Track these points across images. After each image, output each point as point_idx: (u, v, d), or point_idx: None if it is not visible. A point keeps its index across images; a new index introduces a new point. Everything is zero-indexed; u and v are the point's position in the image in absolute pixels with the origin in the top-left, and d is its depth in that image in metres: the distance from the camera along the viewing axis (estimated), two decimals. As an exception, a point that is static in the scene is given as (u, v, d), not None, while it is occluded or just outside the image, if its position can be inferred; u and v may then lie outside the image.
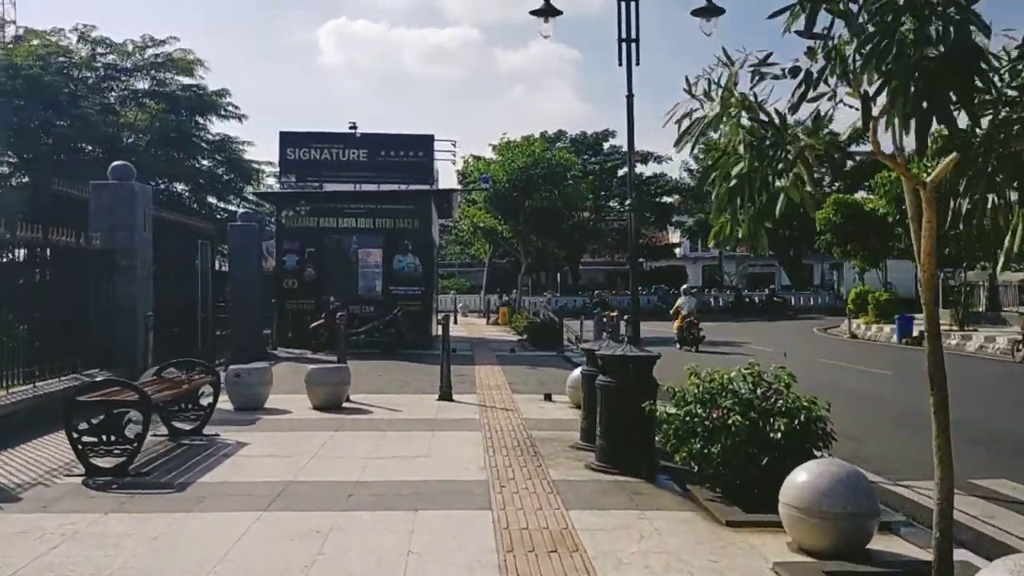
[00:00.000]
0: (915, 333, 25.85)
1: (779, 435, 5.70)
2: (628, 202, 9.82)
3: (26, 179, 26.14)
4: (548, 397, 11.01)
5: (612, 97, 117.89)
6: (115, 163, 11.01)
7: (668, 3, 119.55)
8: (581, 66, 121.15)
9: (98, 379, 10.08)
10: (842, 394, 10.45)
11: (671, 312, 24.92)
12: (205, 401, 8.43)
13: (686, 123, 3.77)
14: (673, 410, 6.29)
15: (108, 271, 10.54)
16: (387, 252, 19.48)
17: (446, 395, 10.89)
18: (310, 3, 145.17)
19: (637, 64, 10.02)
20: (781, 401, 6.02)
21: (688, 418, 6.10)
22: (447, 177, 40.61)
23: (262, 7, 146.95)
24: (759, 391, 6.13)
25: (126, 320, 10.69)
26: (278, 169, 21.01)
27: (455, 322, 33.96)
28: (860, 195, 38.71)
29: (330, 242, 19.60)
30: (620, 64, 10.02)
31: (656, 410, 6.41)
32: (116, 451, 6.41)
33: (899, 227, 25.39)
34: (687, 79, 3.70)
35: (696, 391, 6.23)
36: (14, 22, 32.24)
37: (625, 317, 33.04)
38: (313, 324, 17.92)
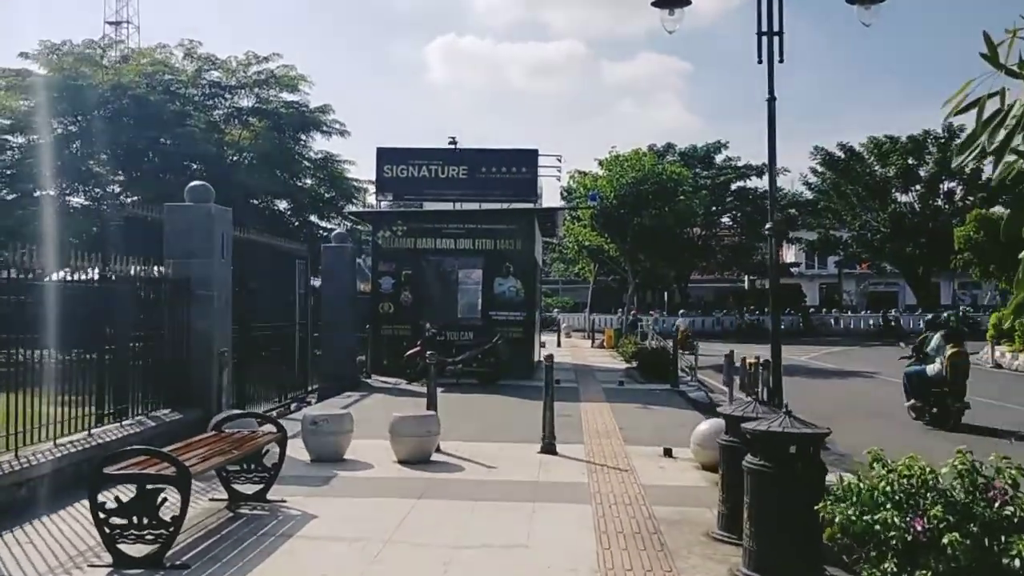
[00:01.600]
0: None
1: (1018, 562, 4.05)
2: (768, 226, 8.18)
3: (134, 198, 26.29)
4: (668, 452, 9.42)
5: (722, 109, 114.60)
6: (193, 183, 10.12)
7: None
8: (690, 78, 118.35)
9: (170, 418, 9.22)
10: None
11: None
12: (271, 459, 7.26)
13: (972, 116, 2.22)
14: (850, 511, 4.69)
15: (182, 302, 9.62)
16: (487, 275, 18.28)
17: (549, 447, 9.46)
18: (418, 21, 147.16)
19: (780, 61, 8.40)
20: (1011, 508, 4.35)
21: (879, 527, 4.49)
22: (551, 194, 39.38)
23: (371, 25, 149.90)
24: (978, 492, 4.47)
25: (201, 356, 9.73)
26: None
27: (558, 344, 32.62)
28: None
29: (428, 264, 18.55)
30: (760, 61, 8.43)
31: (829, 513, 4.79)
32: (149, 536, 5.26)
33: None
34: (987, 37, 2.17)
35: (888, 489, 4.61)
36: (129, 22, 32.65)
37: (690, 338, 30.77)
38: (408, 352, 16.83)
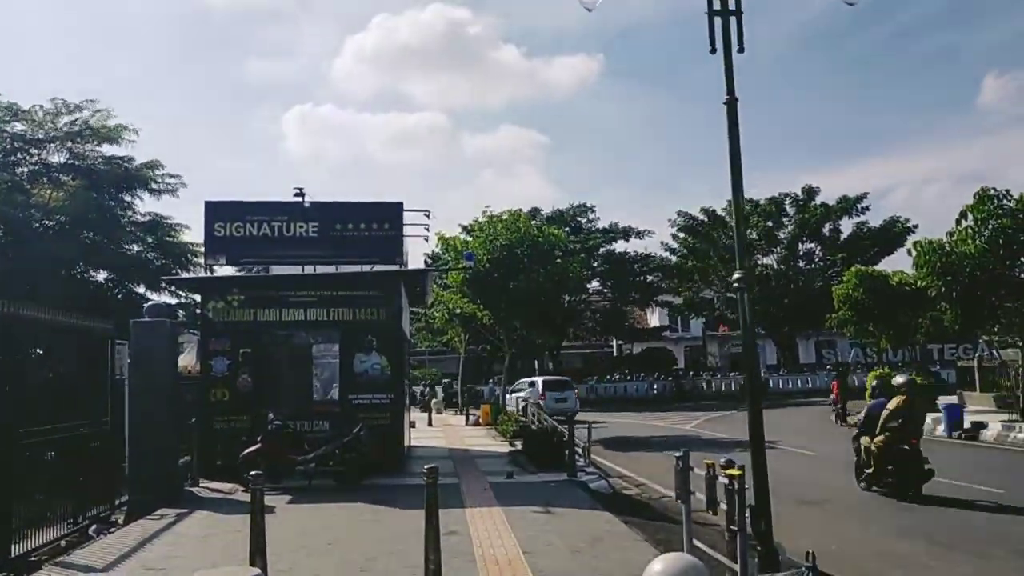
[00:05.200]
0: (967, 424, 22.00)
1: None
2: (736, 275, 5.73)
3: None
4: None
5: (580, 179, 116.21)
6: None
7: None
8: (549, 149, 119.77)
9: None
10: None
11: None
12: None
13: None
14: None
15: None
16: (345, 351, 15.22)
17: (435, 600, 6.56)
18: (275, 90, 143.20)
19: (740, 51, 6.11)
20: None
21: None
22: (417, 258, 36.63)
23: (226, 94, 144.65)
24: None
25: None
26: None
27: (429, 423, 29.49)
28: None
29: (272, 340, 15.31)
30: (713, 51, 6.12)
31: None
32: None
33: (942, 302, 21.60)
34: None
35: None
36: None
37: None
38: (246, 451, 13.46)
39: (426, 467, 6.86)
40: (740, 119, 6.05)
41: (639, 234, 50.05)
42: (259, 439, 13.52)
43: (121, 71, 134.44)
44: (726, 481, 5.72)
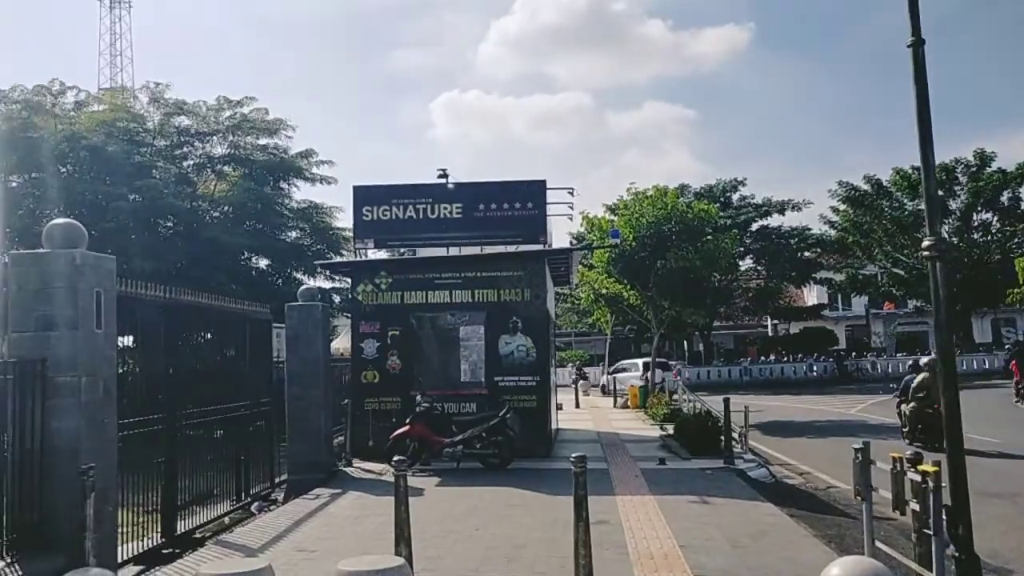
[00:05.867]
0: None
1: None
2: (927, 242, 4.93)
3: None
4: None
5: (731, 154, 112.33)
6: (55, 221, 7.07)
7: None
8: (697, 125, 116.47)
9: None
10: None
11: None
12: None
13: None
14: None
15: (30, 394, 6.46)
16: (491, 332, 15.09)
17: (586, 597, 6.18)
18: (424, 79, 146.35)
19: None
20: None
21: None
22: (562, 238, 36.27)
23: (378, 85, 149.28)
24: None
25: (62, 474, 6.53)
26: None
27: (576, 405, 29.20)
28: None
29: (419, 322, 15.38)
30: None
31: None
32: None
33: None
34: None
35: None
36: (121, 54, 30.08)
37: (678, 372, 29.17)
38: (395, 433, 13.57)
39: (573, 456, 6.45)
40: (902, 75, 5.27)
41: (795, 206, 47.31)
42: (407, 421, 13.59)
43: (288, 71, 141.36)
44: (917, 478, 5.00)
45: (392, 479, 6.62)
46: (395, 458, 7.12)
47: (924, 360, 17.00)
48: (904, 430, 16.22)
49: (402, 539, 6.40)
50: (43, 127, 22.56)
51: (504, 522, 9.36)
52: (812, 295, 58.82)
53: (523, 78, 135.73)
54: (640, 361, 32.91)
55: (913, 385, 16.26)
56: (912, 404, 16.00)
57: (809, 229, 49.44)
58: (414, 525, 6.78)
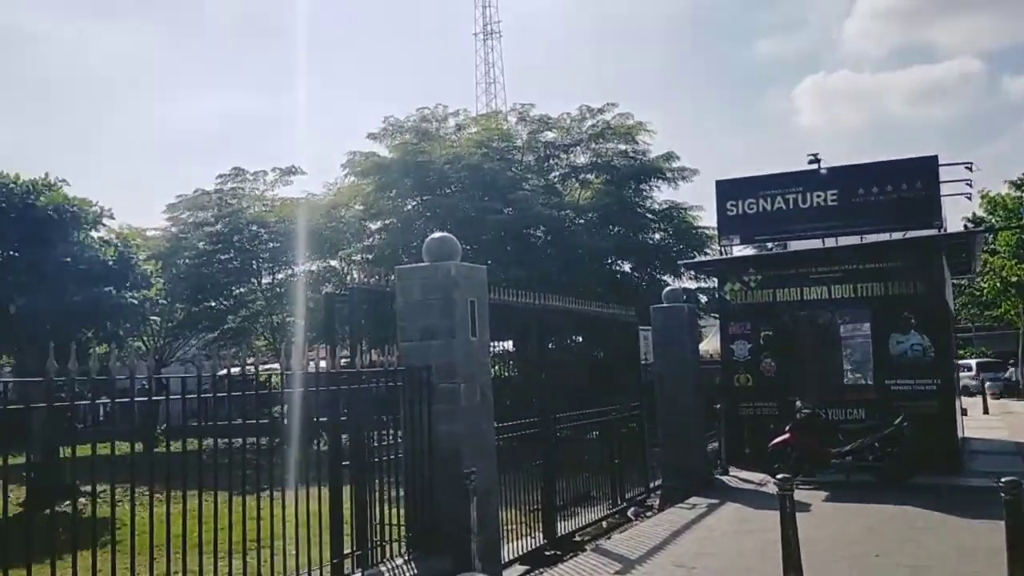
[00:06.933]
0: None
1: None
2: None
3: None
4: None
5: None
6: (433, 235, 7.45)
7: None
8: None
9: (407, 572, 6.42)
10: None
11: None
12: None
13: None
14: None
15: (419, 400, 6.86)
16: (879, 330, 13.51)
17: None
18: (784, 65, 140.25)
19: None
20: None
21: None
22: (957, 221, 32.02)
23: (736, 78, 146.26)
24: None
25: (446, 475, 6.84)
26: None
27: (984, 411, 25.49)
28: None
29: (794, 321, 14.29)
30: None
31: None
32: None
33: None
34: None
35: None
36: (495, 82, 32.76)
37: None
38: (775, 440, 12.67)
39: (1004, 480, 5.27)
40: None
41: None
42: (787, 428, 12.62)
43: (636, 73, 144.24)
44: None
45: (772, 491, 6.00)
46: (779, 475, 6.43)
47: None
48: None
49: (791, 566, 5.71)
50: (430, 151, 25.00)
51: (908, 549, 8.14)
52: None
53: (898, 50, 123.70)
54: (973, 361, 27.46)
55: None
56: None
57: None
58: (802, 546, 6.06)
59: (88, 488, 4.81)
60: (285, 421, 5.95)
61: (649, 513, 11.41)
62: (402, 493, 6.74)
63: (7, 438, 4.18)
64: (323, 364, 6.19)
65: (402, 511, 6.71)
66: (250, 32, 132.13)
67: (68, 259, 14.38)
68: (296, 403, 5.82)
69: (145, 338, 27.95)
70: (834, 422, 12.92)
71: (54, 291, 13.85)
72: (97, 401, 4.69)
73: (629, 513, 11.49)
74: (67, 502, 7.50)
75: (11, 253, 14.41)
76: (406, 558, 6.58)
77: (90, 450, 4.40)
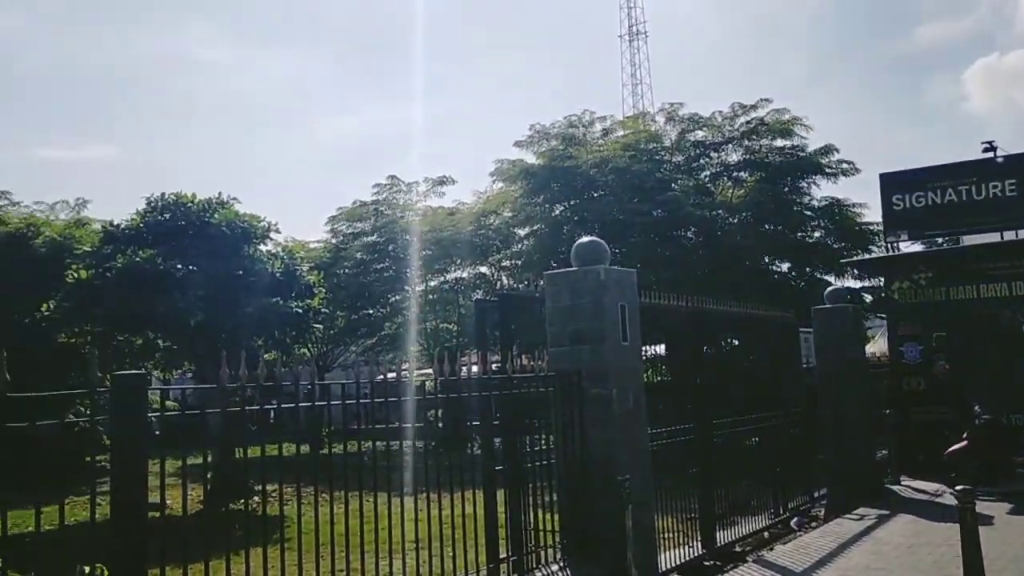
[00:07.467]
0: None
1: None
2: None
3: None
4: None
5: None
6: (582, 239, 7.42)
7: None
8: None
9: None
10: None
11: None
12: None
13: None
14: None
15: (570, 405, 6.84)
16: (1069, 330, 12.36)
17: None
18: (952, 52, 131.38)
19: None
20: None
21: None
22: None
23: (895, 70, 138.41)
24: None
25: (599, 482, 6.77)
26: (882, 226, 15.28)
27: None
28: None
29: (970, 321, 13.28)
30: None
31: None
32: None
33: None
34: None
35: None
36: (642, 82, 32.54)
37: None
38: (951, 448, 11.80)
39: None
40: None
41: None
42: (965, 435, 11.73)
43: (787, 70, 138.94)
44: None
45: (949, 502, 5.57)
46: (957, 485, 5.97)
47: None
48: None
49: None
50: (576, 156, 25.01)
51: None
52: None
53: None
54: None
55: None
56: None
57: None
58: (986, 562, 5.60)
59: (260, 487, 5.08)
60: (440, 425, 6.09)
61: (813, 524, 10.88)
62: (555, 498, 6.73)
63: (188, 440, 4.49)
64: (475, 369, 6.29)
65: (555, 517, 6.70)
66: (396, 49, 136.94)
67: (240, 272, 15.36)
68: (450, 408, 5.93)
69: (309, 345, 29.50)
70: (1018, 428, 11.90)
71: (228, 303, 14.82)
72: (266, 406, 4.95)
73: (792, 523, 11.01)
74: (241, 501, 7.99)
75: (190, 268, 15.53)
76: (561, 565, 6.57)
77: (259, 451, 4.65)
